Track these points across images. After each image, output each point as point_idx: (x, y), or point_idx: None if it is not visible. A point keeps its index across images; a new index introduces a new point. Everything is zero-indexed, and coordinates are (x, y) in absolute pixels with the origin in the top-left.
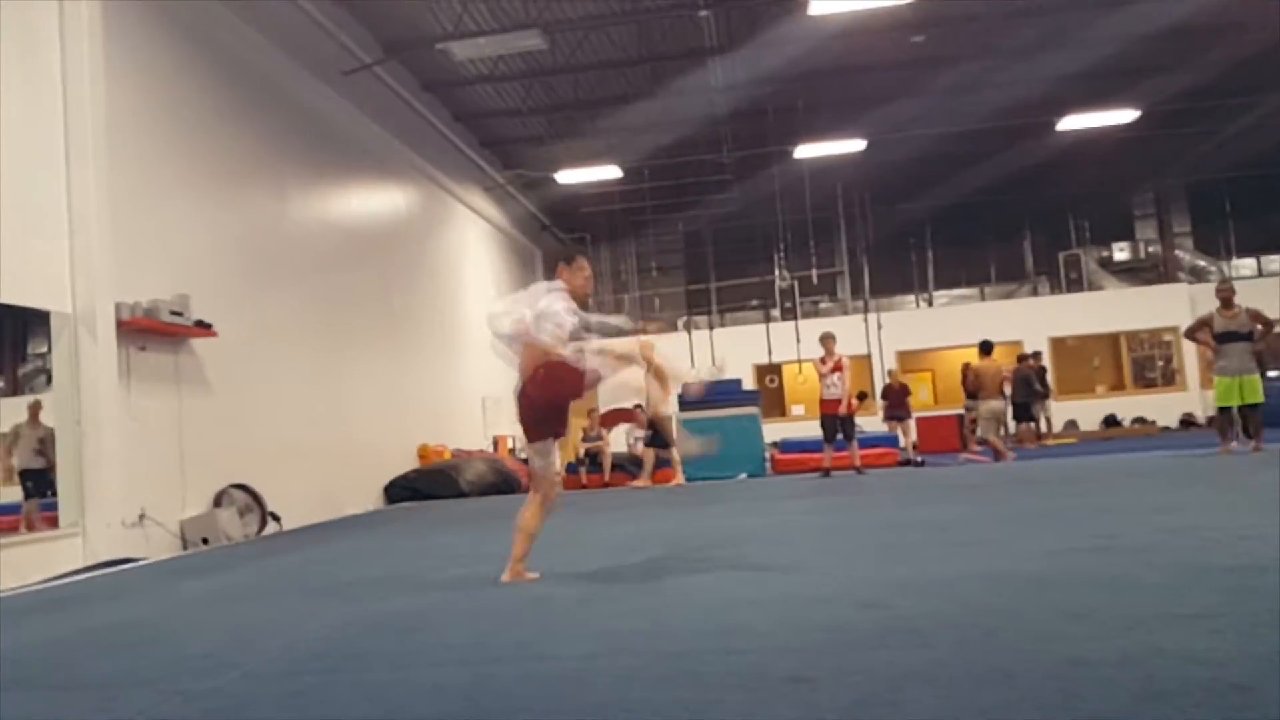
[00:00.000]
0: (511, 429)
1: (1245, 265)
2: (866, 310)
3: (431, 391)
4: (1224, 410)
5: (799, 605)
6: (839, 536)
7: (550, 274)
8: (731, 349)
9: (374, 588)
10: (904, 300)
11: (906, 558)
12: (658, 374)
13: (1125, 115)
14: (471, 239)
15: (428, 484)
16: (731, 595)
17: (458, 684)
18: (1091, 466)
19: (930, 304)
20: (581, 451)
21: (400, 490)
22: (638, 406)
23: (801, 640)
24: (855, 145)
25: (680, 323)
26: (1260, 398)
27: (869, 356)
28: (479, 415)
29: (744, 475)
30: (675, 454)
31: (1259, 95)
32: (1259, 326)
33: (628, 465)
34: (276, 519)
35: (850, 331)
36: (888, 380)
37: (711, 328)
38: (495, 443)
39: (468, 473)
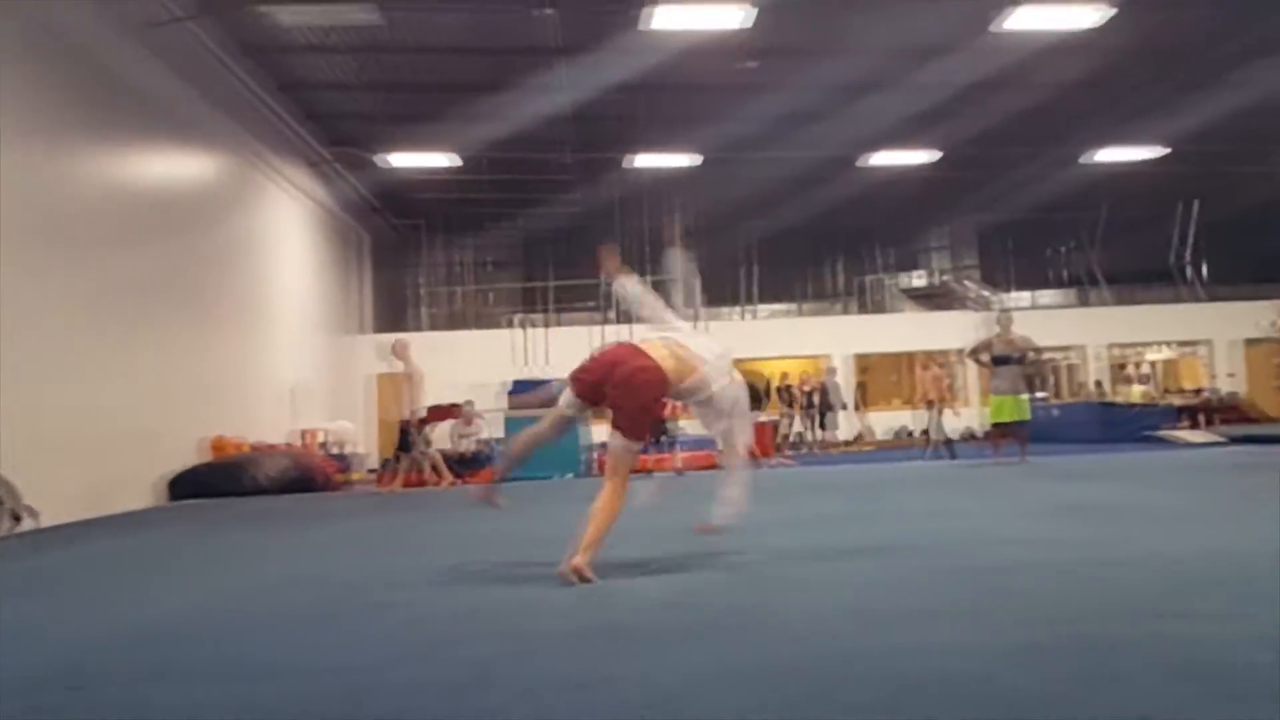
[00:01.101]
0: (324, 422)
1: (1022, 298)
2: (696, 319)
3: (233, 379)
4: (997, 425)
5: (595, 609)
6: (665, 539)
7: (380, 259)
8: (564, 349)
9: (135, 592)
10: (730, 312)
11: (709, 560)
12: None
13: (928, 156)
14: (290, 217)
15: (219, 479)
16: (533, 599)
17: (211, 704)
18: (881, 473)
19: (755, 317)
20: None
21: (187, 485)
22: (467, 403)
23: (585, 645)
24: (691, 160)
25: (515, 320)
26: (1027, 415)
27: None
28: (286, 406)
29: (567, 475)
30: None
31: (1038, 146)
32: (1029, 352)
33: (452, 464)
34: (34, 514)
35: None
36: None
37: (547, 326)
38: (303, 436)
39: (267, 468)
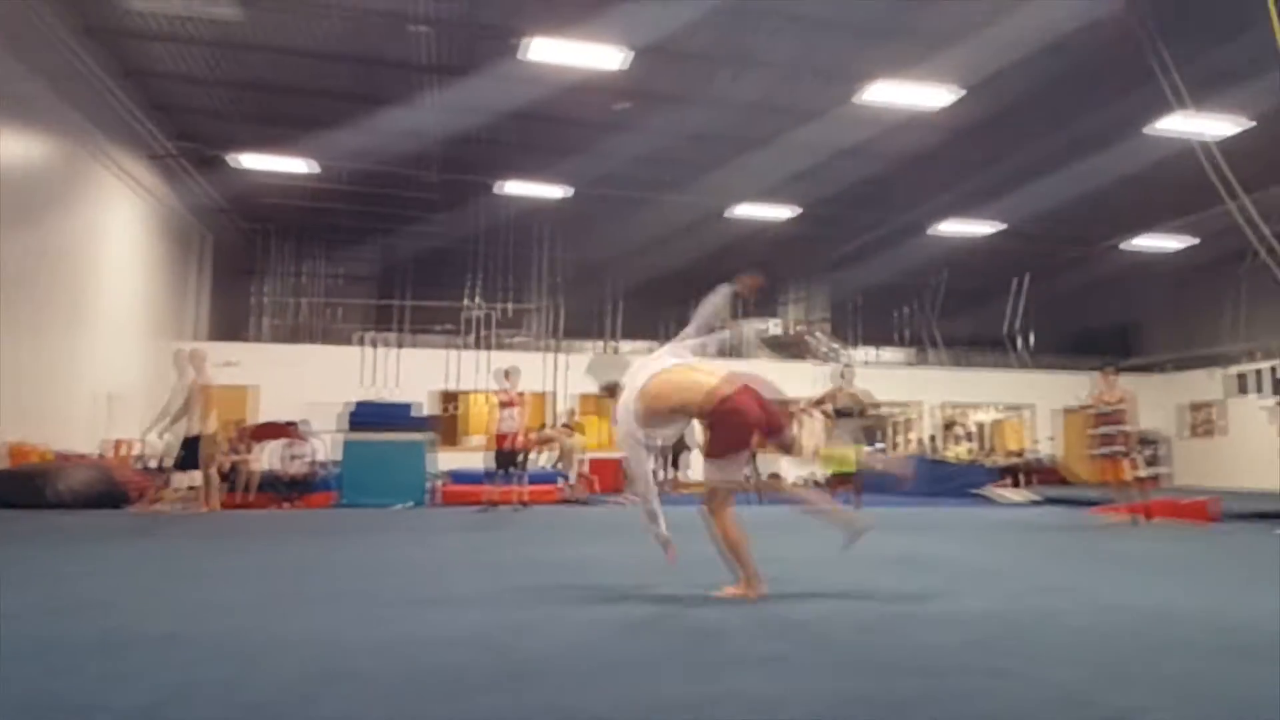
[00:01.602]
0: (138, 433)
1: (867, 354)
2: (557, 350)
3: (43, 381)
4: (836, 475)
5: (418, 647)
6: (481, 573)
7: (223, 264)
8: (416, 371)
9: None
10: (591, 346)
11: (532, 600)
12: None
13: (789, 212)
14: (125, 211)
15: (14, 489)
16: (341, 637)
17: None
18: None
19: (616, 353)
20: (226, 466)
21: None
22: (302, 422)
23: (409, 688)
24: (563, 192)
25: (365, 337)
26: (861, 467)
27: (553, 394)
28: (99, 414)
29: (408, 504)
30: None
31: (889, 213)
32: (868, 407)
33: (279, 485)
34: None
35: (538, 369)
36: (565, 420)
37: (400, 346)
38: (116, 447)
39: (71, 480)
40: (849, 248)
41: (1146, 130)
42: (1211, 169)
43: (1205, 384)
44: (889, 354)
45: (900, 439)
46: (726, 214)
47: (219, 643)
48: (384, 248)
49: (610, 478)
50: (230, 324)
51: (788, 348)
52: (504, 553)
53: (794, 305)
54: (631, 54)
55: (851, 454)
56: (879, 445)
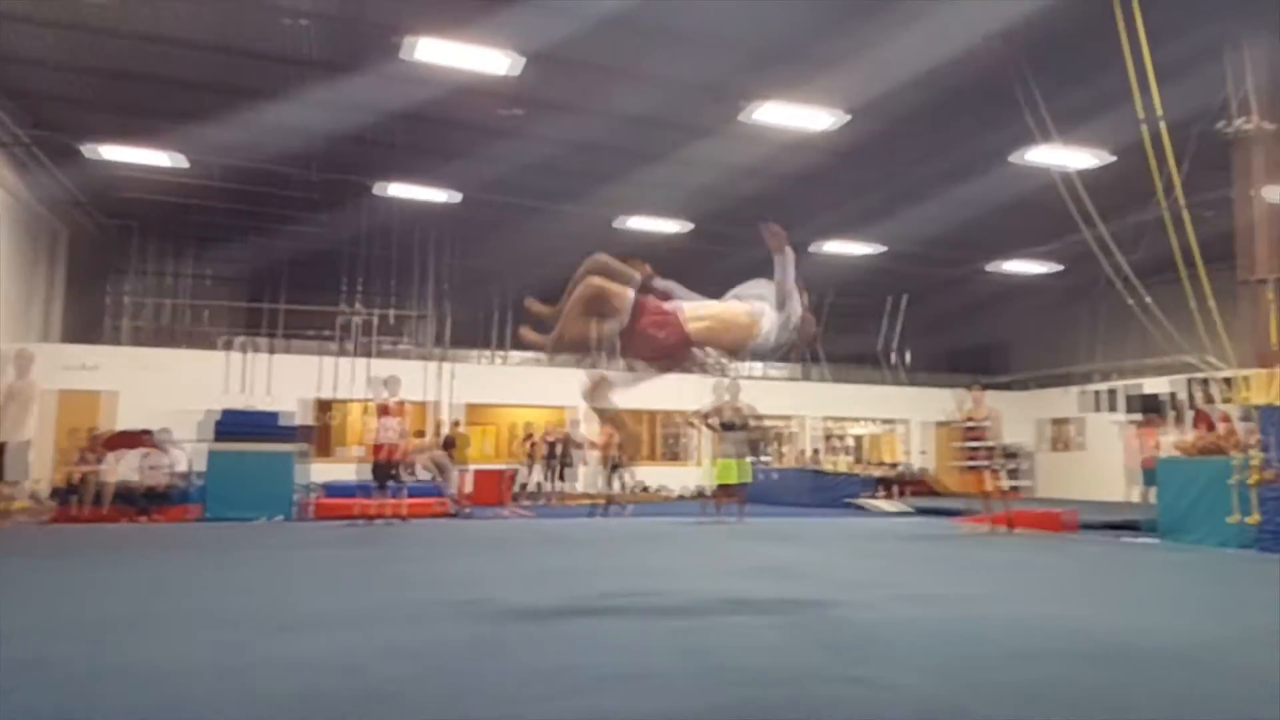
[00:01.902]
0: None
1: (754, 368)
2: (442, 359)
3: None
4: (722, 486)
5: (272, 672)
6: (347, 592)
7: (79, 261)
8: (289, 377)
9: None
10: (478, 355)
11: (399, 619)
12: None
13: (680, 226)
14: None
15: None
16: (187, 663)
17: None
18: (609, 528)
19: (505, 362)
20: (76, 477)
21: None
22: (161, 431)
23: (253, 717)
24: (450, 197)
25: (235, 342)
26: (749, 478)
27: (436, 404)
28: None
29: (275, 518)
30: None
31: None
32: (752, 420)
33: (134, 498)
34: None
35: (421, 378)
36: (449, 431)
37: (271, 352)
38: None
39: None
40: (738, 264)
41: (1015, 160)
42: (1071, 199)
43: (1064, 401)
44: (774, 369)
45: (783, 451)
46: (617, 225)
47: (46, 670)
48: (257, 248)
49: (494, 490)
50: (87, 325)
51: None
52: (375, 569)
53: None
54: (523, 60)
55: (742, 466)
56: (764, 457)
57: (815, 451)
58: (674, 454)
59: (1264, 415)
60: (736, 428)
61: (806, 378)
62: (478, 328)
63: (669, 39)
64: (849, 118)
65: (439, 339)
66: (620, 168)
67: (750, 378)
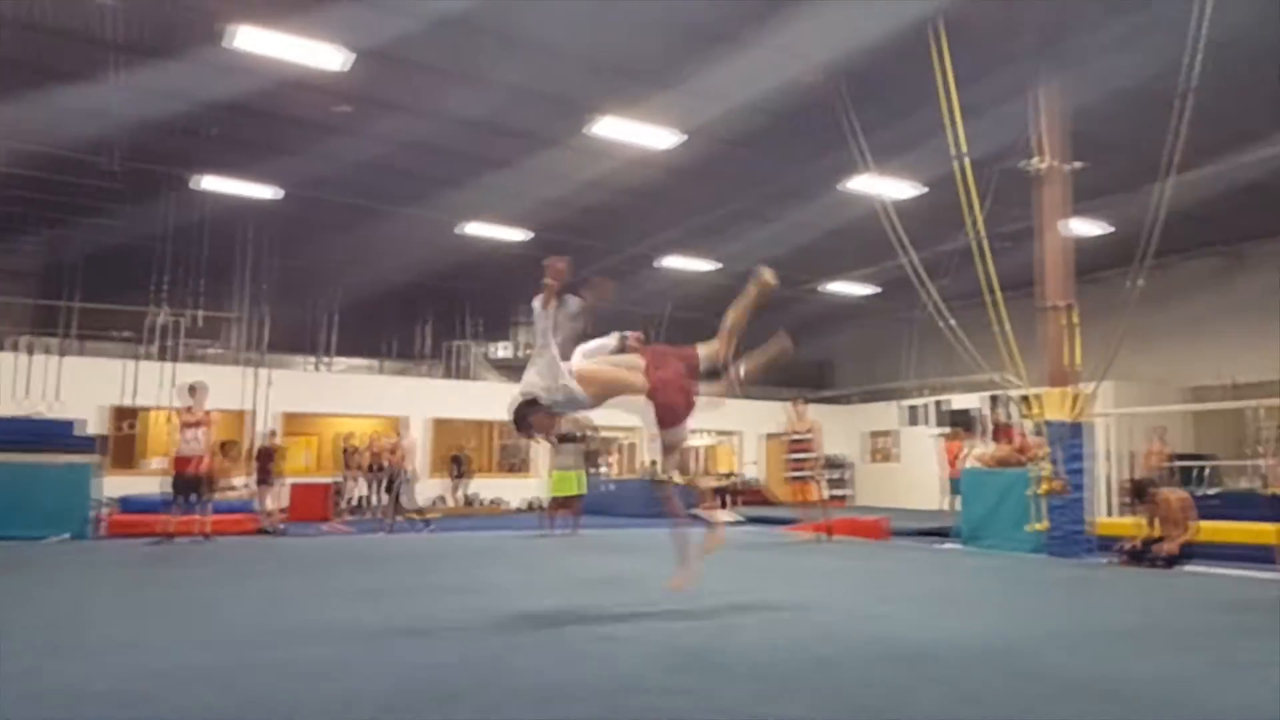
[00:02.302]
0: None
1: None
2: (259, 364)
3: None
4: (557, 498)
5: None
6: (130, 617)
7: None
8: (84, 382)
9: None
10: (303, 361)
11: (186, 648)
12: None
13: (520, 234)
14: None
15: None
16: None
17: None
18: (439, 543)
19: (330, 369)
20: None
21: None
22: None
23: None
24: (274, 193)
25: (21, 343)
26: (585, 490)
27: (253, 413)
28: None
29: (64, 536)
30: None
31: (618, 243)
32: (589, 432)
33: None
34: None
35: (236, 384)
36: (265, 442)
37: (63, 354)
38: None
39: None
40: (581, 275)
41: (840, 187)
42: (889, 227)
43: (886, 415)
44: None
45: (624, 462)
46: (458, 231)
47: None
48: (51, 241)
49: (318, 504)
50: None
51: (520, 370)
52: (165, 592)
53: (525, 328)
54: (353, 56)
55: (578, 477)
56: (603, 469)
57: (654, 463)
58: (512, 466)
59: (1052, 430)
60: (573, 439)
61: None
62: (302, 332)
63: (509, 45)
64: (685, 137)
65: (256, 343)
66: (461, 172)
67: None
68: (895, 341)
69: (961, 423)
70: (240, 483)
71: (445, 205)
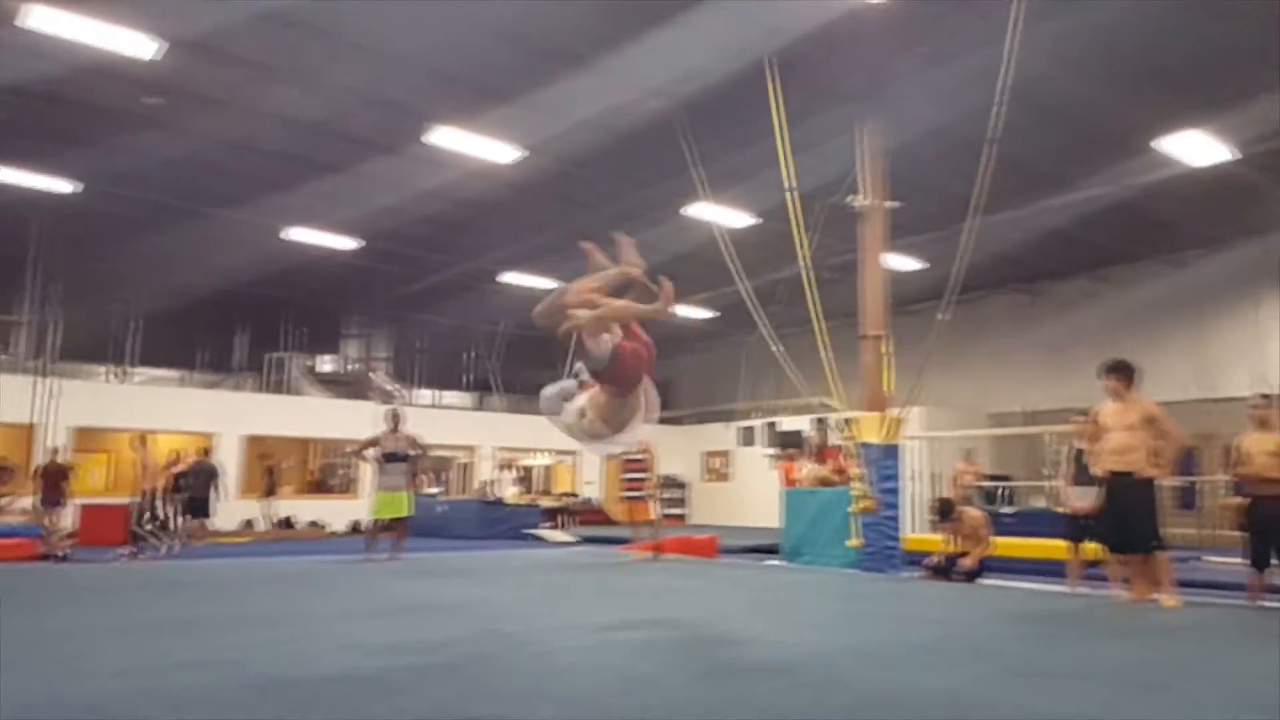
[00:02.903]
0: None
1: (425, 395)
2: (48, 374)
3: None
4: (376, 521)
5: None
6: None
7: None
8: None
9: None
10: (99, 370)
11: None
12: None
13: (351, 242)
14: None
15: None
16: None
17: None
18: (247, 568)
19: (130, 380)
20: None
21: None
22: None
23: None
24: (68, 186)
25: None
26: (411, 511)
27: (42, 426)
28: None
29: None
30: None
31: (457, 257)
32: (415, 450)
33: None
34: None
35: (20, 395)
36: (50, 459)
37: None
38: None
39: None
40: (416, 288)
41: (683, 212)
42: (726, 254)
43: (721, 435)
44: (451, 397)
45: (461, 481)
46: (282, 236)
47: None
48: None
49: (113, 527)
50: None
51: (347, 385)
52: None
53: (355, 341)
54: (165, 45)
55: (404, 499)
56: (434, 489)
57: (490, 483)
58: (331, 486)
59: (867, 451)
60: (399, 458)
61: (482, 408)
62: (103, 339)
63: (341, 45)
64: (526, 153)
65: (45, 350)
66: (285, 175)
67: (421, 406)
68: (732, 365)
69: (793, 443)
70: (22, 504)
71: (268, 209)
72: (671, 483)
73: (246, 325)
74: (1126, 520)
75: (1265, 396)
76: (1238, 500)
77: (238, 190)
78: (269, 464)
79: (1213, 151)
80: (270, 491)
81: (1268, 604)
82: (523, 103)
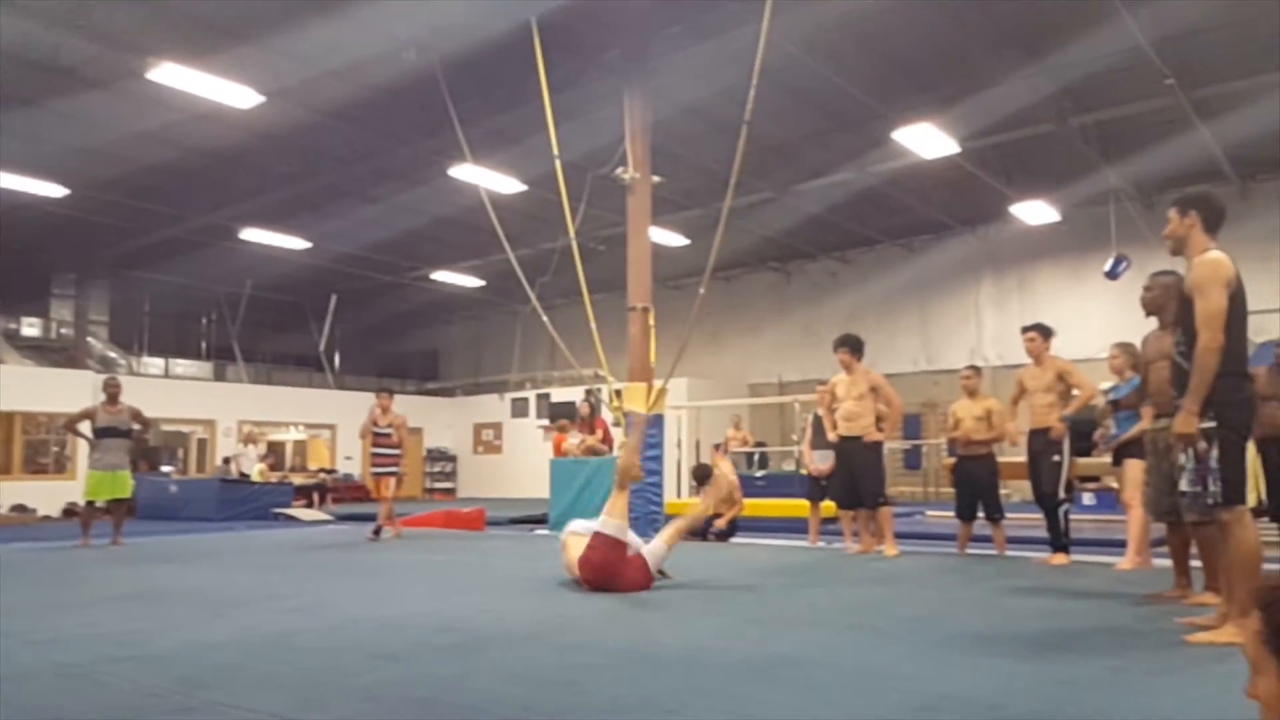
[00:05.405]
0: None
1: (155, 364)
2: None
3: None
4: (90, 504)
5: None
6: None
7: None
8: None
9: None
10: None
11: None
12: None
13: (55, 190)
14: None
15: None
16: None
17: None
18: None
19: None
20: None
21: None
22: None
23: None
24: None
25: None
26: (129, 493)
27: None
28: None
29: None
30: None
31: (189, 209)
32: (137, 425)
33: None
34: None
35: None
36: None
37: None
38: None
39: None
40: (142, 242)
41: (450, 173)
42: (493, 219)
43: (494, 407)
44: (183, 366)
45: (196, 459)
46: None
47: None
48: None
49: None
50: None
51: (58, 352)
52: None
53: (68, 303)
54: None
55: (124, 478)
56: (165, 468)
57: (229, 460)
58: (43, 465)
59: (628, 421)
60: (118, 433)
61: (221, 378)
62: None
63: None
64: (265, 99)
65: None
66: None
67: (151, 375)
68: (505, 335)
69: (566, 414)
70: None
71: None
72: (440, 455)
73: None
74: (854, 480)
75: (974, 368)
76: (951, 460)
77: None
78: None
79: (942, 144)
80: None
81: (972, 551)
82: (263, 44)
